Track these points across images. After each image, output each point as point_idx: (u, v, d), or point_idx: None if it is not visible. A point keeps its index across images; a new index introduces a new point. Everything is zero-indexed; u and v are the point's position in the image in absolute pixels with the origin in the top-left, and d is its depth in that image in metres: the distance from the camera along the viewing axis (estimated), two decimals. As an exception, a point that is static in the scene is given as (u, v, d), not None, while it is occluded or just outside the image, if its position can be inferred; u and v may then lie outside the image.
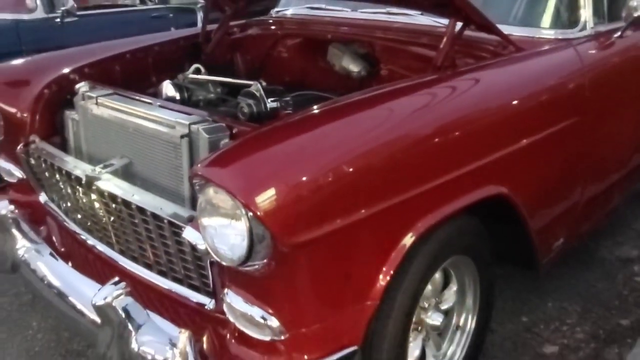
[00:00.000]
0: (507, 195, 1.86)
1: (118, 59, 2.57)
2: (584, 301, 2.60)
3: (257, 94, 2.03)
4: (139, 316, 1.65)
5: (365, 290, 1.54)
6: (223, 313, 1.60)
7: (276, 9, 3.03)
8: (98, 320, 1.74)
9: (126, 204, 1.79)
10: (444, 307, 1.96)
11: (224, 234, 1.37)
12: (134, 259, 1.90)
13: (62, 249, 2.24)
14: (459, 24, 2.03)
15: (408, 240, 1.59)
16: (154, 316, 1.69)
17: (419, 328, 1.89)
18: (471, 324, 2.02)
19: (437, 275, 1.90)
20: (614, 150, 2.56)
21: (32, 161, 2.26)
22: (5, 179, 2.46)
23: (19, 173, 2.38)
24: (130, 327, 1.63)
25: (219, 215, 1.38)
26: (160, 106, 1.96)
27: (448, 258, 1.82)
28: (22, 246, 2.15)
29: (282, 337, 1.45)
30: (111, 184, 1.84)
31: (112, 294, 1.62)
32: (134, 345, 1.63)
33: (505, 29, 2.16)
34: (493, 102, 1.88)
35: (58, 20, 4.03)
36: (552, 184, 2.16)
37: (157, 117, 1.84)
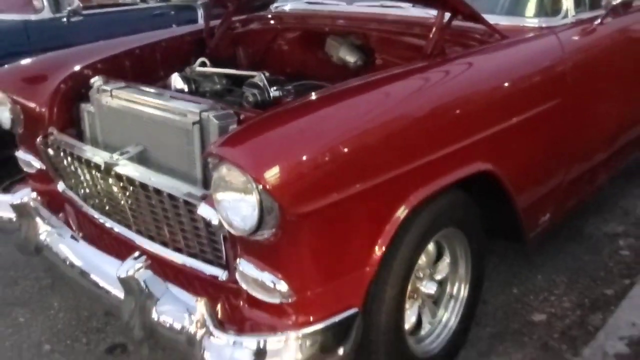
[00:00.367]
0: (494, 172, 2.02)
1: (128, 54, 2.72)
2: (571, 273, 2.76)
3: (261, 84, 2.18)
4: (158, 287, 1.81)
5: (364, 257, 1.70)
6: (235, 283, 1.76)
7: (275, 5, 3.18)
8: (119, 294, 1.91)
9: (143, 186, 1.94)
10: (438, 277, 2.12)
11: (237, 207, 1.54)
12: (151, 238, 2.06)
13: (81, 233, 2.40)
14: (448, 15, 2.18)
15: (402, 212, 1.75)
16: (172, 287, 1.85)
17: (415, 296, 2.05)
18: (464, 292, 2.18)
19: (431, 248, 2.06)
20: (596, 132, 2.71)
21: (51, 152, 2.41)
22: (25, 169, 2.62)
23: (37, 164, 2.53)
24: (150, 297, 1.79)
25: (231, 190, 1.54)
26: (172, 97, 2.12)
27: (439, 230, 1.98)
28: (44, 230, 2.31)
29: (290, 300, 1.61)
30: (129, 169, 2.00)
31: (133, 266, 1.78)
32: (154, 315, 1.80)
33: (492, 19, 2.31)
34: (480, 86, 2.04)
35: (64, 19, 4.17)
36: (537, 162, 2.32)
37: (169, 107, 2.00)
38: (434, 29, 2.16)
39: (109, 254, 2.16)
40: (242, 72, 2.44)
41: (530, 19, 2.43)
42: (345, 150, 1.61)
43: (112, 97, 2.22)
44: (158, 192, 1.90)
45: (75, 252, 2.21)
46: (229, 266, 1.80)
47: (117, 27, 4.14)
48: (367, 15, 2.68)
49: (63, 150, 2.31)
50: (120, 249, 2.18)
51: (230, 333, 1.63)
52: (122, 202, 2.10)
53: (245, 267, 1.64)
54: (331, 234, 1.62)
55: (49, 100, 2.40)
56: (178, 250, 1.97)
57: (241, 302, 1.74)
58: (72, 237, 2.29)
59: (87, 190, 2.31)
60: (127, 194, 2.05)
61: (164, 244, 2.02)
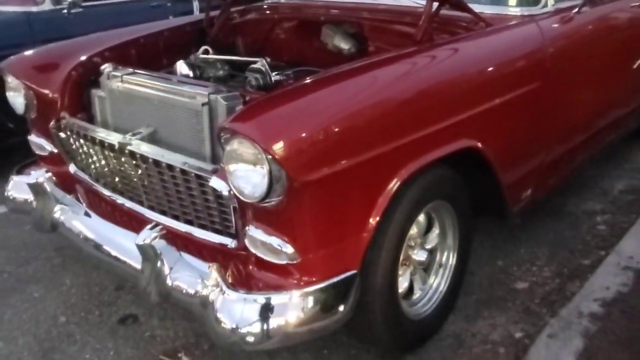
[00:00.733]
0: (479, 148, 2.20)
1: (133, 43, 2.86)
2: (552, 246, 2.96)
3: (263, 69, 2.34)
4: (172, 255, 1.98)
5: (361, 224, 1.87)
6: (243, 250, 1.94)
7: (272, -5, 3.33)
8: (133, 263, 2.08)
9: (156, 163, 2.10)
10: (428, 246, 2.30)
11: (248, 176, 1.71)
12: (163, 212, 2.22)
13: (93, 210, 2.54)
14: (436, 4, 2.34)
15: (394, 184, 1.92)
16: (185, 256, 2.01)
17: (407, 263, 2.23)
18: (452, 260, 2.37)
19: (422, 219, 2.24)
20: (575, 115, 2.89)
21: (62, 135, 2.56)
22: (37, 152, 2.76)
23: (49, 147, 2.68)
24: (165, 264, 1.96)
25: (243, 162, 1.71)
26: (180, 81, 2.28)
27: (429, 202, 2.15)
28: (60, 208, 2.46)
29: (295, 261, 1.78)
30: (142, 147, 2.15)
31: (150, 235, 1.94)
32: (169, 281, 1.97)
33: (477, 8, 2.49)
34: (465, 70, 2.21)
35: (65, 11, 4.29)
36: (519, 141, 2.50)
37: (179, 90, 2.16)
38: (423, 17, 2.33)
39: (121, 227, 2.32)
40: (244, 59, 2.59)
41: (512, 8, 2.61)
42: (342, 126, 1.78)
43: (123, 82, 2.37)
44: (170, 168, 2.06)
45: (89, 226, 2.37)
46: (237, 235, 1.96)
47: (115, 19, 4.26)
48: (360, 5, 2.85)
49: (76, 133, 2.46)
50: (131, 223, 2.33)
51: (241, 292, 1.80)
52: (135, 179, 2.26)
53: (255, 232, 1.81)
54: (331, 201, 1.79)
55: (60, 87, 2.55)
56: (189, 222, 2.13)
57: (249, 266, 1.91)
58: (86, 213, 2.45)
59: (99, 170, 2.46)
60: (140, 171, 2.21)
61: (175, 217, 2.18)
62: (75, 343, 2.42)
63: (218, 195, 1.92)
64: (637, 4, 3.28)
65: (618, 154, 3.93)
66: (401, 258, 2.10)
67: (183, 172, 2.02)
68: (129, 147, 2.18)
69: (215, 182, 1.86)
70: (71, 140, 2.53)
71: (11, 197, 2.67)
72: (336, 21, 2.84)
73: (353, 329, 2.17)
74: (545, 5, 2.66)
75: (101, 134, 2.33)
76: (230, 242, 2.00)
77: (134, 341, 2.41)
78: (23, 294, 2.76)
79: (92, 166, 2.50)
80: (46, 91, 2.57)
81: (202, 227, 2.09)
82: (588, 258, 2.83)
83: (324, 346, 2.33)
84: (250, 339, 1.77)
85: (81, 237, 2.37)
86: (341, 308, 1.85)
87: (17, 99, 2.64)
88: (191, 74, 2.56)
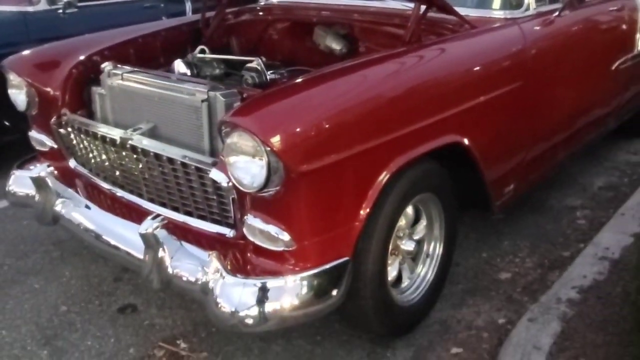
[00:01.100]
0: (463, 144, 2.32)
1: (131, 42, 2.96)
2: (533, 239, 3.09)
3: (259, 68, 2.45)
4: (173, 244, 2.08)
5: (353, 214, 1.98)
6: (241, 239, 2.04)
7: (265, -2, 3.44)
8: (133, 252, 2.17)
9: (157, 156, 2.20)
10: (416, 237, 2.42)
11: (247, 167, 1.81)
12: (163, 204, 2.32)
13: (93, 203, 2.63)
14: (423, 7, 2.46)
15: (383, 177, 2.04)
16: (185, 245, 2.11)
17: (396, 253, 2.35)
18: (439, 250, 2.48)
19: (410, 211, 2.35)
20: (555, 113, 3.02)
21: (63, 131, 2.65)
22: (37, 148, 2.84)
23: (49, 142, 2.76)
24: (166, 253, 2.06)
25: (242, 154, 1.81)
26: (179, 79, 2.39)
27: (417, 194, 2.27)
28: (61, 201, 2.55)
29: (291, 248, 1.89)
30: (143, 142, 2.25)
31: (152, 225, 2.04)
32: (170, 269, 2.07)
33: (462, 11, 2.62)
34: (451, 69, 2.34)
35: (60, 11, 4.36)
36: (502, 137, 2.63)
37: (179, 87, 2.26)
38: (411, 20, 2.45)
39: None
40: (241, 58, 2.70)
41: (496, 11, 2.74)
42: (334, 121, 1.89)
43: (123, 80, 2.47)
44: (171, 161, 2.16)
45: (89, 218, 2.46)
46: (236, 225, 2.06)
47: (109, 19, 4.34)
48: (351, 7, 2.97)
49: (77, 128, 2.55)
50: (131, 215, 2.42)
51: (239, 277, 1.91)
52: (136, 172, 2.35)
53: (253, 221, 1.92)
54: (325, 192, 1.90)
55: (62, 84, 2.64)
56: (188, 213, 2.23)
57: (247, 254, 2.02)
58: (86, 205, 2.54)
59: (99, 164, 2.55)
60: (141, 165, 2.30)
61: (175, 208, 2.27)
62: (76, 331, 2.51)
63: (217, 186, 2.02)
64: (616, 8, 3.43)
65: (598, 152, 4.09)
66: (390, 247, 2.21)
67: (183, 165, 2.12)
68: (130, 142, 2.28)
69: (215, 174, 1.97)
70: (72, 135, 2.62)
71: (12, 192, 2.75)
72: (328, 22, 2.95)
73: (345, 315, 2.28)
74: (528, 9, 2.79)
75: (103, 129, 2.42)
76: (229, 232, 2.10)
77: (134, 329, 2.51)
78: (24, 285, 2.84)
79: (92, 161, 2.59)
80: (48, 89, 2.65)
81: (201, 217, 2.19)
82: (568, 250, 2.97)
83: (317, 333, 2.44)
84: (249, 321, 1.87)
85: (82, 228, 2.45)
86: (334, 293, 1.97)
87: (18, 96, 2.72)
88: (189, 73, 2.66)
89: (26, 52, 2.86)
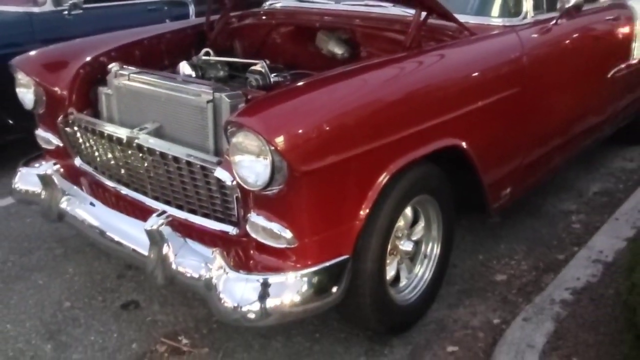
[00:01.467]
0: (461, 147, 2.38)
1: (137, 44, 3.02)
2: (529, 243, 3.15)
3: (263, 70, 2.51)
4: (177, 241, 2.13)
5: (353, 213, 2.04)
6: (244, 236, 2.10)
7: (268, 2, 3.50)
8: (137, 248, 2.22)
9: (163, 155, 2.25)
10: (414, 238, 2.47)
11: (252, 166, 1.87)
12: (167, 202, 2.37)
13: (98, 200, 2.68)
14: (424, 14, 2.53)
15: (383, 178, 2.10)
16: (189, 242, 2.16)
17: (395, 253, 2.40)
18: (436, 251, 2.54)
19: (409, 212, 2.41)
20: (552, 120, 3.09)
21: (70, 130, 2.70)
22: (43, 146, 2.90)
23: (55, 141, 2.81)
24: (171, 249, 2.11)
25: (247, 153, 1.87)
26: (184, 80, 2.44)
27: (416, 196, 2.32)
28: (66, 199, 2.60)
29: (293, 246, 1.95)
30: (149, 141, 2.30)
31: (157, 222, 2.09)
32: (174, 265, 2.12)
33: (462, 18, 2.68)
34: (450, 74, 2.40)
35: (66, 12, 4.42)
36: (500, 141, 2.69)
37: (184, 88, 2.32)
38: (411, 26, 2.51)
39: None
40: (245, 61, 2.76)
41: (495, 19, 2.81)
42: (336, 123, 1.96)
43: (130, 80, 2.52)
44: (176, 160, 2.21)
45: (94, 215, 2.51)
46: (239, 223, 2.12)
47: (114, 21, 4.42)
48: (353, 12, 3.03)
49: (84, 127, 2.60)
50: (135, 213, 2.47)
51: (242, 273, 1.96)
52: (141, 171, 2.41)
53: (256, 219, 1.98)
54: (327, 191, 1.96)
55: (69, 84, 2.69)
56: (192, 211, 2.29)
57: (249, 251, 2.07)
58: (91, 203, 2.59)
59: (104, 163, 2.60)
60: (146, 163, 2.36)
61: (179, 206, 2.33)
62: (80, 326, 2.56)
63: (222, 185, 2.08)
64: (612, 17, 3.51)
65: (594, 158, 4.15)
66: (389, 247, 2.27)
67: (188, 163, 2.17)
68: (136, 141, 2.33)
69: (220, 173, 2.02)
70: (78, 134, 2.68)
71: (18, 189, 2.81)
72: (330, 27, 3.01)
73: (344, 313, 2.34)
74: (525, 17, 2.86)
75: (109, 128, 2.48)
76: (232, 230, 2.15)
77: (137, 325, 2.56)
78: (28, 281, 2.89)
79: (98, 159, 2.64)
80: (55, 88, 2.71)
81: (205, 215, 2.24)
82: (563, 253, 3.03)
83: (315, 330, 2.49)
84: (251, 316, 1.93)
85: (87, 225, 2.51)
86: (334, 290, 2.02)
87: (26, 95, 2.78)
88: (194, 74, 2.72)
89: (34, 52, 2.91)
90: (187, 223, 2.28)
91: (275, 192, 1.89)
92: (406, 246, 2.40)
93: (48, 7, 4.37)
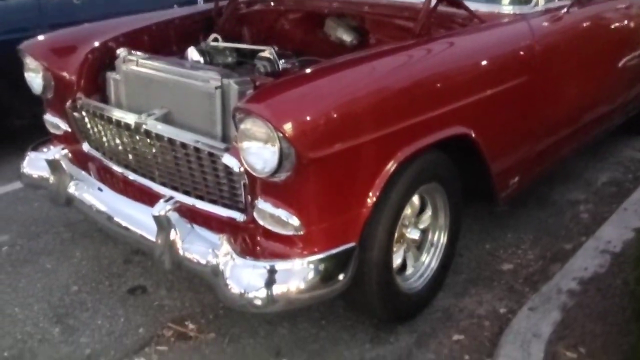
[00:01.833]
0: (470, 135, 2.37)
1: (146, 30, 3.01)
2: (536, 232, 3.14)
3: (271, 57, 2.50)
4: (184, 227, 2.14)
5: (361, 200, 2.04)
6: (251, 223, 2.10)
7: (276, -12, 3.48)
8: (144, 233, 2.23)
9: (171, 141, 2.25)
10: (421, 226, 2.47)
11: (260, 153, 1.87)
12: (175, 188, 2.37)
13: (105, 185, 2.69)
14: (434, 1, 2.50)
15: (391, 166, 2.09)
16: (197, 227, 2.17)
17: (402, 241, 2.40)
18: (443, 239, 2.54)
19: (416, 201, 2.40)
20: (561, 109, 3.07)
21: (78, 115, 2.71)
22: (51, 131, 2.90)
23: (64, 126, 2.82)
24: (178, 235, 2.12)
25: (255, 140, 1.87)
26: (193, 66, 2.44)
27: (423, 184, 2.32)
28: (75, 183, 2.61)
29: (300, 232, 1.95)
30: (157, 127, 2.30)
31: (165, 207, 2.10)
32: (182, 250, 2.13)
33: (472, 5, 2.66)
34: (460, 62, 2.38)
35: (74, -3, 4.42)
36: (509, 130, 2.68)
37: (193, 74, 2.31)
38: (421, 13, 2.48)
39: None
40: (253, 47, 2.75)
41: (505, 7, 2.78)
42: (344, 110, 1.95)
43: (138, 66, 2.52)
44: (184, 146, 2.21)
45: (102, 200, 2.52)
46: (246, 209, 2.12)
47: (122, 6, 4.42)
48: (362, -1, 3.01)
49: (92, 112, 2.60)
50: (142, 198, 2.48)
51: (249, 259, 1.97)
52: (149, 156, 2.41)
53: (264, 206, 1.98)
54: (335, 178, 1.96)
55: (77, 69, 2.69)
56: (199, 197, 2.29)
57: (256, 237, 2.07)
58: (99, 188, 2.60)
59: (112, 148, 2.61)
60: (154, 149, 2.36)
61: (187, 192, 2.33)
62: (87, 310, 2.58)
63: (229, 171, 2.08)
64: (624, 5, 3.46)
65: (603, 147, 4.12)
66: (396, 235, 2.26)
67: (196, 150, 2.17)
68: (144, 127, 2.33)
69: (228, 159, 2.02)
70: (86, 119, 2.68)
71: (27, 173, 2.82)
72: (339, 14, 2.99)
73: (350, 300, 2.34)
74: (536, 5, 2.83)
75: (117, 113, 2.48)
76: (239, 216, 2.15)
77: (143, 309, 2.57)
78: (36, 264, 2.91)
79: (106, 144, 2.64)
80: (64, 73, 2.71)
81: (212, 201, 2.25)
82: (570, 243, 3.01)
83: (321, 317, 2.50)
84: (257, 302, 1.93)
85: (95, 210, 2.52)
86: (340, 277, 2.02)
87: (35, 80, 2.78)
88: (202, 60, 2.71)
89: (43, 37, 2.91)
90: (194, 209, 2.29)
91: (282, 179, 1.89)
92: (413, 234, 2.40)
93: (56, -8, 4.37)
